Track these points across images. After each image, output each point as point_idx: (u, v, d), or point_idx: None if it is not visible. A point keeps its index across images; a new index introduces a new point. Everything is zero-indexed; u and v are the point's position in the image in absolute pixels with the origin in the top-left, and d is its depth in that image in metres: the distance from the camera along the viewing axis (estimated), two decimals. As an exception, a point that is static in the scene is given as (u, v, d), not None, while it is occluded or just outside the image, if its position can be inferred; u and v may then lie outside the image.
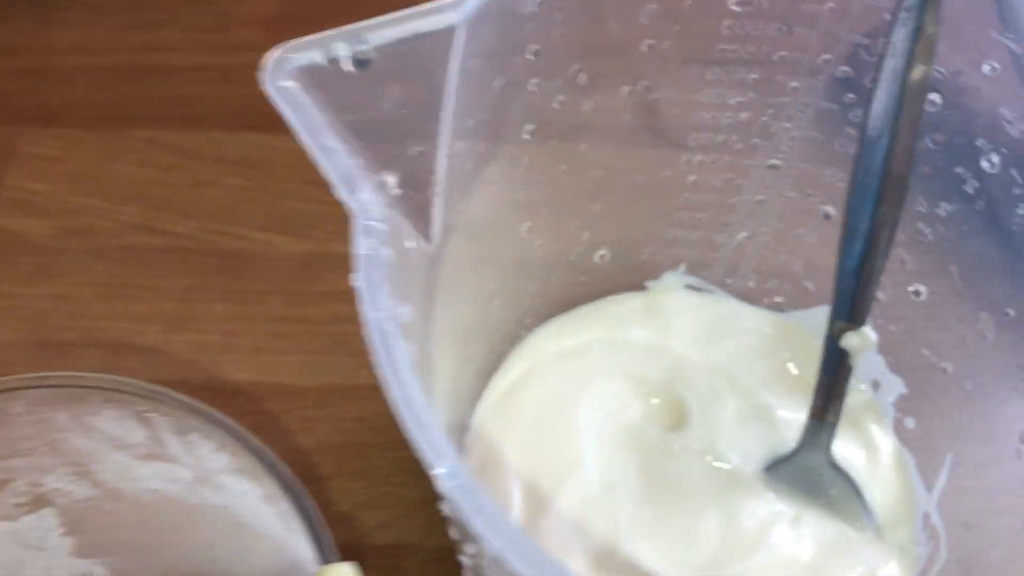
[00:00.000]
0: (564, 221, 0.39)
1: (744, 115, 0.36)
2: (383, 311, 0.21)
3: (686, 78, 0.35)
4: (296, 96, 0.24)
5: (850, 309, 0.35)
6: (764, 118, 0.37)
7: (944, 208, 0.36)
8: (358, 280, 0.22)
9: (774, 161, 0.38)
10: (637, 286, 0.45)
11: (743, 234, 0.42)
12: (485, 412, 0.42)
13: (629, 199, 0.40)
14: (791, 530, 0.40)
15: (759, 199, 0.40)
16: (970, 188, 0.34)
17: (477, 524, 0.19)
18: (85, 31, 0.58)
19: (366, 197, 0.23)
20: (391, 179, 0.27)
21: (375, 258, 0.22)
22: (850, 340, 0.36)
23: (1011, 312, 0.35)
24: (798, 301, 0.44)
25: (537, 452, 0.41)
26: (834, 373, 0.37)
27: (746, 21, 0.33)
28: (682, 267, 0.44)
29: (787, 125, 0.37)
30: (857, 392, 0.44)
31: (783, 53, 0.34)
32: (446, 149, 0.29)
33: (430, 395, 0.25)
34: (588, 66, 0.33)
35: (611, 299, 0.45)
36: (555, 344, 0.44)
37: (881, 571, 0.39)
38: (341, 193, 0.23)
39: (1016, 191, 0.33)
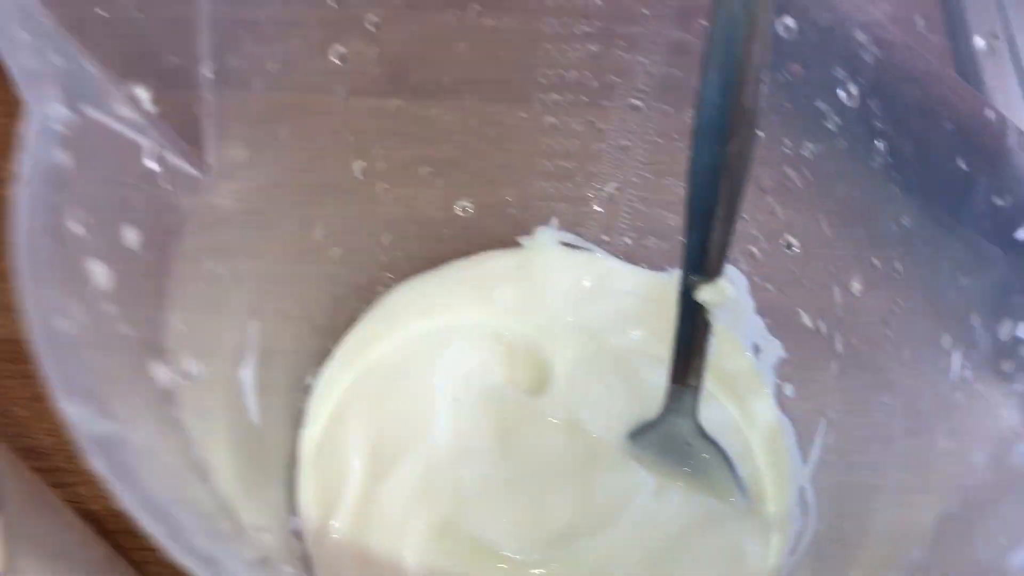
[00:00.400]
0: (409, 165, 0.36)
1: (593, 47, 0.33)
2: (44, 220, 0.18)
3: (523, 7, 0.32)
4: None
5: (701, 259, 0.32)
6: (616, 51, 0.34)
7: (809, 148, 0.33)
8: (18, 190, 0.19)
9: (634, 101, 0.35)
10: (510, 242, 0.42)
11: (613, 185, 0.39)
12: (331, 372, 0.39)
13: (483, 143, 0.37)
14: (653, 502, 0.37)
15: (624, 144, 0.37)
16: (832, 124, 0.31)
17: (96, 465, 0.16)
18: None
19: (50, 95, 0.20)
20: (142, 93, 0.24)
21: (46, 162, 0.19)
22: (704, 293, 0.33)
23: (876, 262, 0.32)
24: (677, 259, 0.40)
25: (385, 414, 0.38)
26: (691, 331, 0.34)
27: (578, -65, 0.30)
28: (554, 221, 0.41)
29: (642, 59, 0.34)
30: (739, 358, 0.41)
31: (625, -27, 0.31)
32: (210, 64, 0.25)
33: (142, 326, 0.22)
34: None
35: (482, 256, 0.42)
36: (417, 302, 0.41)
37: (749, 547, 0.36)
38: (22, 90, 0.20)
39: (876, 124, 0.30)
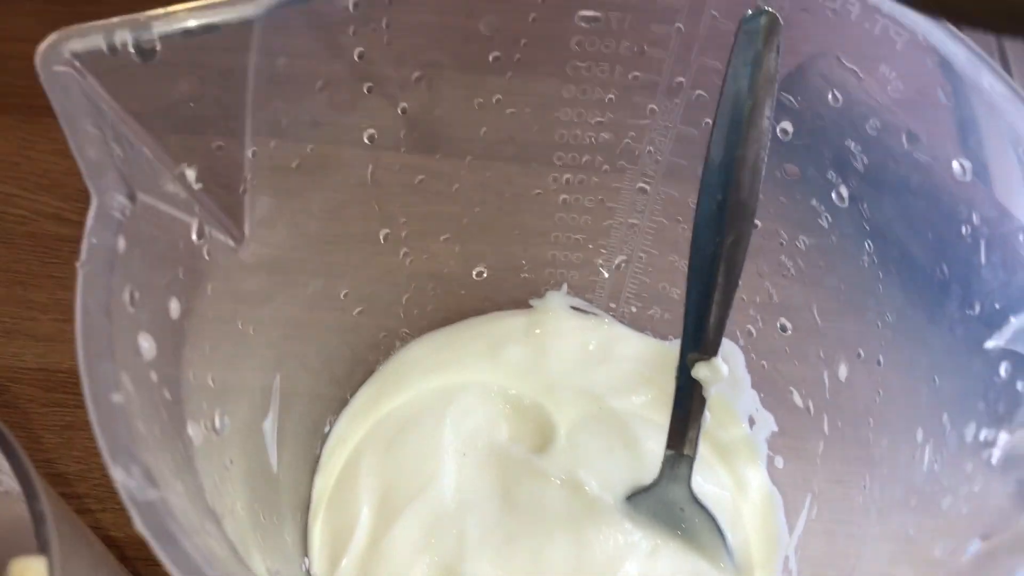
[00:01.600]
0: (430, 233, 0.39)
1: (606, 135, 0.36)
2: (101, 300, 0.21)
3: (542, 94, 0.34)
4: (68, 81, 0.24)
5: (699, 339, 0.34)
6: (627, 140, 0.36)
7: (803, 241, 0.35)
8: (82, 267, 0.21)
9: (642, 184, 0.38)
10: (523, 304, 0.45)
11: (621, 258, 0.41)
12: (347, 421, 0.41)
13: (500, 215, 0.39)
14: (647, 563, 0.39)
15: (632, 222, 0.39)
16: (824, 222, 0.33)
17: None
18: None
19: (111, 185, 0.23)
20: (189, 172, 0.27)
21: (104, 247, 0.22)
22: (700, 371, 0.35)
23: (861, 353, 0.34)
24: (679, 328, 0.42)
25: (395, 464, 0.40)
26: (687, 404, 0.36)
27: (595, 38, 0.32)
28: (564, 287, 0.44)
29: (650, 148, 0.36)
30: (735, 429, 0.43)
31: (637, 73, 0.33)
32: (250, 145, 0.28)
33: (178, 388, 0.24)
34: (432, 74, 0.33)
35: (494, 315, 0.45)
36: (430, 357, 0.43)
37: (734, 613, 0.38)
38: (87, 180, 0.23)
39: (864, 226, 0.32)
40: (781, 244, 0.35)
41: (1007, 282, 0.26)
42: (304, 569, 0.38)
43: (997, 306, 0.26)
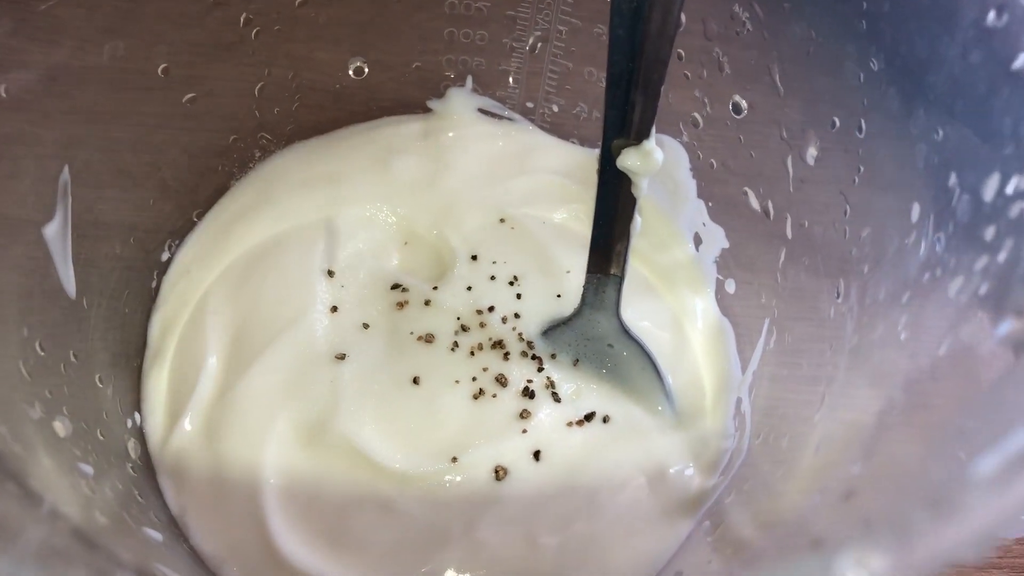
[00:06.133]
0: (284, 7, 0.29)
1: None
2: None
3: None
4: None
5: (625, 116, 0.26)
6: None
7: (762, -23, 0.26)
8: None
9: (555, -82, 0.29)
10: (418, 106, 0.36)
11: (536, 34, 0.32)
12: (193, 247, 0.33)
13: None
14: (566, 410, 0.31)
15: (546, -21, 0.30)
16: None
17: None
18: None
19: None
20: None
21: None
22: (628, 159, 0.27)
23: (836, 121, 0.26)
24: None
25: (253, 298, 0.32)
26: (613, 206, 0.28)
27: None
28: (469, 81, 0.35)
29: None
30: (679, 250, 0.35)
31: None
32: None
33: None
34: None
35: (383, 121, 0.36)
36: (300, 170, 0.35)
37: (674, 467, 0.31)
38: None
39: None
40: (734, -14, 0.27)
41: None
42: (132, 427, 0.30)
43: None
